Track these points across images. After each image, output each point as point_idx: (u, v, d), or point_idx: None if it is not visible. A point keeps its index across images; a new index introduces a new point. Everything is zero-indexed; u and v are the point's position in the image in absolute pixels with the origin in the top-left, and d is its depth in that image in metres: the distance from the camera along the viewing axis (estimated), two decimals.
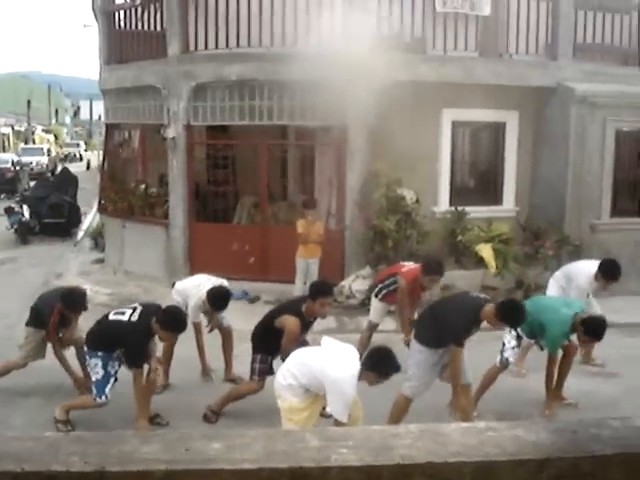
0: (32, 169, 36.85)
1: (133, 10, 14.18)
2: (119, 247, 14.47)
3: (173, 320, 6.85)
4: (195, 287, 8.28)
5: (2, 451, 1.40)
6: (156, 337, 7.00)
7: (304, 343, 7.09)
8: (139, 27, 14.21)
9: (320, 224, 11.40)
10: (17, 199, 20.98)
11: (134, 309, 6.97)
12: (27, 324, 7.88)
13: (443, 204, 12.98)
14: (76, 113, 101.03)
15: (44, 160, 42.88)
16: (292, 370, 5.99)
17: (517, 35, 12.80)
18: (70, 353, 7.94)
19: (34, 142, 60.53)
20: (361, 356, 8.44)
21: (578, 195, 12.79)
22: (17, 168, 33.31)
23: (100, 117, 42.70)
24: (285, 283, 11.13)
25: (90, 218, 20.28)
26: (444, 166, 13.09)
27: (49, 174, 33.99)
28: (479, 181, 13.88)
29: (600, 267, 8.65)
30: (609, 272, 8.63)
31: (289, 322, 6.94)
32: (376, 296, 8.87)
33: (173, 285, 8.83)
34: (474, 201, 13.12)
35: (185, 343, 8.02)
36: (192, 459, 1.35)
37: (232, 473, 1.32)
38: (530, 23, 12.76)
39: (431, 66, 12.18)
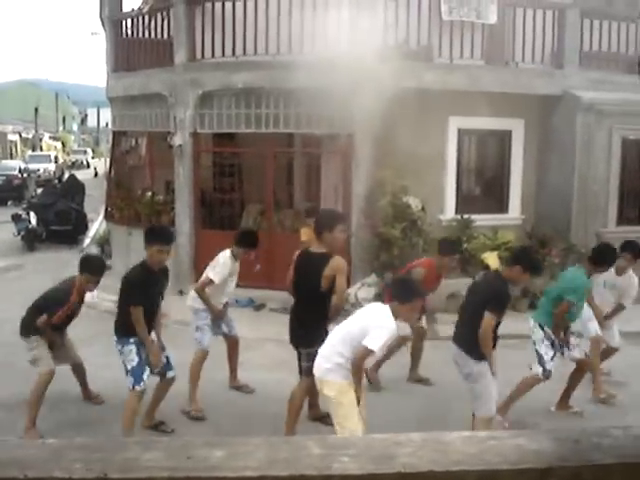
0: (39, 176, 36.97)
1: (140, 18, 14.25)
2: (125, 254, 14.48)
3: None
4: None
5: (5, 458, 1.41)
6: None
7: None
8: (146, 35, 14.29)
9: None
10: (24, 206, 21.05)
11: None
12: (23, 334, 7.66)
13: (449, 212, 12.99)
14: (83, 120, 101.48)
15: (51, 167, 43.03)
16: (337, 348, 5.81)
17: (523, 43, 12.83)
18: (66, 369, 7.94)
19: (41, 149, 60.85)
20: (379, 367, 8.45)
21: (584, 203, 12.79)
22: (24, 175, 33.42)
23: (107, 124, 42.84)
24: None
25: (97, 225, 20.31)
26: (450, 174, 13.11)
27: (56, 181, 34.08)
28: (485, 189, 13.88)
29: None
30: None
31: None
32: None
33: (180, 293, 8.80)
34: (480, 209, 13.12)
35: (189, 353, 8.02)
36: (194, 466, 1.35)
37: None
38: (536, 31, 12.78)
39: (437, 74, 12.21)
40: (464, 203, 13.21)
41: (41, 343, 7.43)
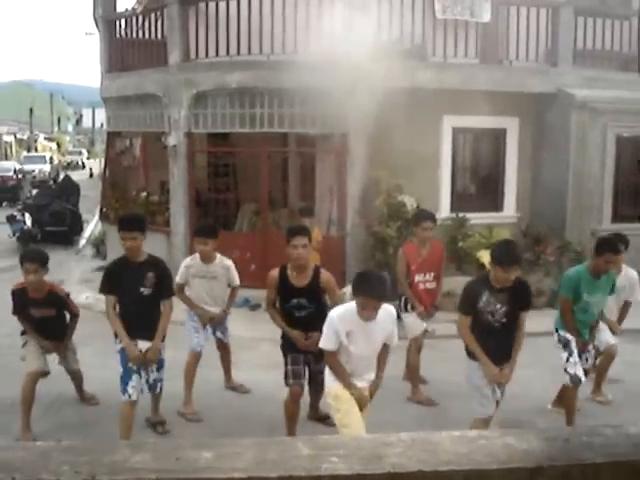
0: (34, 177, 36.92)
1: (134, 18, 14.23)
2: (120, 255, 14.47)
3: None
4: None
5: None
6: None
7: None
8: (140, 35, 14.27)
9: (318, 231, 11.38)
10: (19, 207, 20.97)
11: None
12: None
13: (444, 210, 12.98)
14: (78, 121, 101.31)
15: (46, 168, 42.94)
16: None
17: (517, 42, 12.83)
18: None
19: (36, 150, 60.73)
20: (415, 384, 8.35)
21: (579, 201, 12.80)
22: (19, 176, 33.37)
23: (102, 125, 42.79)
24: None
25: (92, 226, 20.30)
26: (445, 173, 13.12)
27: (51, 182, 34.01)
28: (480, 187, 13.89)
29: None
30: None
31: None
32: (405, 309, 8.29)
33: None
34: (475, 207, 13.14)
35: (184, 354, 8.01)
36: (182, 468, 1.35)
37: None
38: (530, 30, 12.79)
39: (431, 73, 12.21)
40: (459, 201, 13.22)
41: (30, 342, 7.36)
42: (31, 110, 64.11)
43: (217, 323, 7.95)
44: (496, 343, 6.16)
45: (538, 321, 9.72)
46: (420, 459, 1.37)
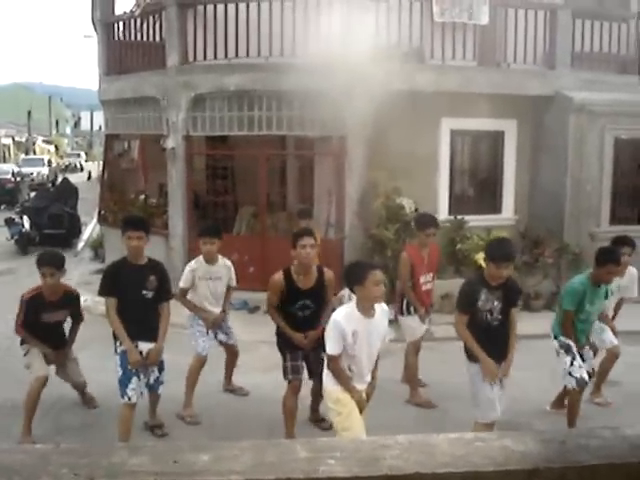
0: (32, 180, 36.90)
1: (132, 21, 14.23)
2: (119, 257, 14.47)
3: None
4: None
5: None
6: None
7: None
8: (138, 38, 14.27)
9: (317, 234, 11.37)
10: (17, 210, 20.98)
11: None
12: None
13: (442, 213, 12.98)
14: (77, 124, 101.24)
15: (44, 171, 42.95)
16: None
17: (515, 44, 12.84)
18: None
19: (35, 153, 60.74)
20: (414, 387, 8.36)
21: (577, 203, 12.81)
22: (17, 179, 33.36)
23: (101, 128, 42.86)
24: None
25: (90, 228, 20.29)
26: (443, 175, 13.12)
27: (49, 185, 34.02)
28: (478, 190, 13.89)
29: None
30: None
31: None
32: (407, 311, 8.27)
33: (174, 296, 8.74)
34: (473, 210, 13.14)
35: (185, 357, 8.02)
36: (180, 471, 1.35)
37: None
38: (528, 32, 12.80)
39: (429, 76, 12.22)
40: (457, 204, 13.22)
41: (32, 350, 7.35)
42: (29, 113, 64.11)
43: (218, 325, 7.95)
44: (494, 340, 6.19)
45: (536, 323, 9.77)
46: (417, 461, 1.38)
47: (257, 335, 9.92)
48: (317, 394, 6.93)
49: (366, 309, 5.46)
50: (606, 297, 7.60)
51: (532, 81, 12.93)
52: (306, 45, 11.85)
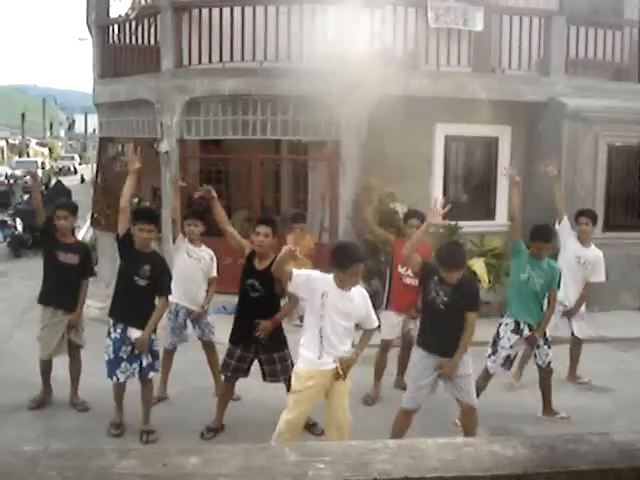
0: (26, 182, 36.74)
1: (127, 24, 14.22)
2: (112, 261, 14.39)
3: None
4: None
5: None
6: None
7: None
8: (133, 41, 14.26)
9: (310, 238, 11.39)
10: (10, 212, 20.94)
11: None
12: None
13: None
14: (71, 126, 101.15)
15: (38, 173, 42.79)
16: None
17: (510, 50, 12.88)
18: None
19: (28, 155, 60.70)
20: (379, 380, 8.45)
21: (571, 210, 12.81)
22: (10, 181, 33.26)
23: (95, 131, 42.79)
24: None
25: (83, 232, 20.24)
26: (437, 181, 13.14)
27: (43, 187, 33.94)
28: (472, 196, 13.90)
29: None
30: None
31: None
32: (386, 307, 8.53)
33: None
34: (467, 216, 13.13)
35: (177, 360, 8.02)
36: (169, 474, 1.35)
37: None
38: (522, 38, 12.84)
39: (424, 81, 12.24)
40: (451, 209, 13.17)
41: (49, 324, 7.65)
42: (23, 115, 64.01)
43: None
44: (438, 330, 6.37)
45: None
46: (406, 466, 1.38)
47: None
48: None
49: (342, 284, 5.70)
50: (558, 284, 7.80)
51: (526, 87, 12.96)
52: (301, 50, 11.87)
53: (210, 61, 12.51)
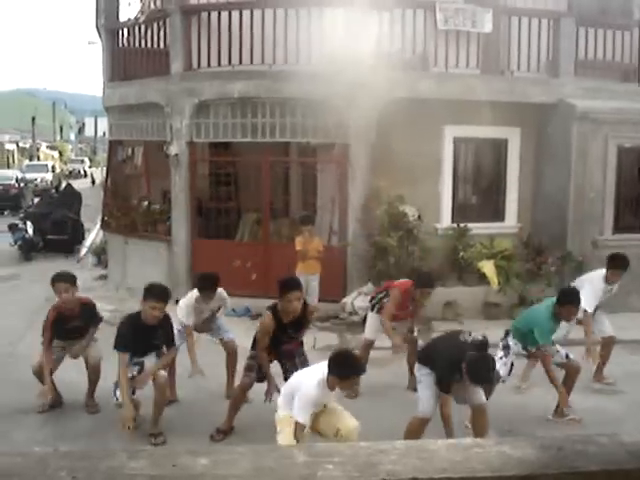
0: (36, 185, 36.96)
1: (137, 28, 14.26)
2: (122, 263, 14.50)
3: None
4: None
5: None
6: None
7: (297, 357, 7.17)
8: (142, 45, 14.30)
9: (319, 240, 11.40)
10: (21, 216, 21.03)
11: None
12: None
13: (445, 221, 13.00)
14: (81, 130, 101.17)
15: (48, 177, 42.99)
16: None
17: (518, 52, 12.84)
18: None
19: (38, 159, 60.83)
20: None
21: (580, 211, 12.79)
22: (21, 185, 33.44)
23: (105, 134, 42.86)
24: None
25: (93, 234, 20.30)
26: (446, 183, 13.12)
27: (53, 191, 34.07)
28: (481, 198, 13.87)
29: (608, 262, 8.89)
30: (617, 260, 8.88)
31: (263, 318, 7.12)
32: (372, 309, 8.87)
33: (176, 302, 8.78)
34: (476, 218, 13.14)
35: (186, 362, 8.03)
36: (179, 475, 1.36)
37: None
38: (531, 40, 12.81)
39: (433, 83, 12.22)
40: (460, 212, 13.22)
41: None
42: (33, 119, 64.22)
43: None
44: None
45: None
46: (415, 466, 1.38)
47: None
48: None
49: (333, 388, 5.84)
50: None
51: (535, 89, 12.92)
52: (309, 52, 11.87)
53: (219, 64, 12.53)
